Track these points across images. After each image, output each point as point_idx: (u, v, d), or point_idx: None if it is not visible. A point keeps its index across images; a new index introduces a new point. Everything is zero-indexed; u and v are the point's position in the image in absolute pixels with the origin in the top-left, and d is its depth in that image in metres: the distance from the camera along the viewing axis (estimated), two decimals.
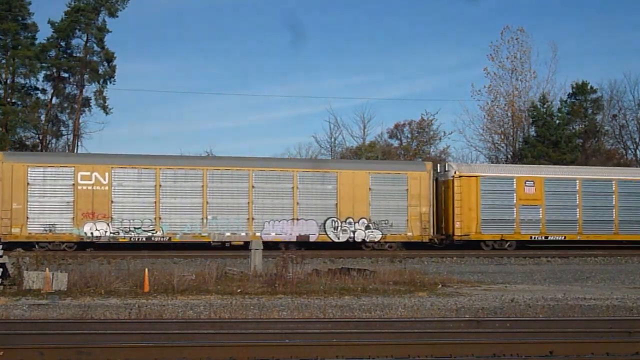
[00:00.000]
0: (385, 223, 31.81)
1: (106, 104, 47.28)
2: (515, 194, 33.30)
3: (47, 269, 17.49)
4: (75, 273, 17.94)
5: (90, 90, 48.03)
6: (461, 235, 32.52)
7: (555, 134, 47.83)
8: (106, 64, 47.50)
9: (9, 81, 45.86)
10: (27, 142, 46.58)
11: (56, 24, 45.80)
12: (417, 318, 13.29)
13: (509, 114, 52.93)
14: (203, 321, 12.45)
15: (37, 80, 46.81)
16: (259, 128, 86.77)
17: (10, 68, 45.37)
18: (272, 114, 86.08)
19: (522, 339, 10.48)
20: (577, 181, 34.29)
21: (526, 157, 47.82)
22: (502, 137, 53.63)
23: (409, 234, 31.96)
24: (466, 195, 32.60)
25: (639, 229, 34.75)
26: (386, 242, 31.76)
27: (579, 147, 50.22)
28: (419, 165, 34.99)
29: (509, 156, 52.28)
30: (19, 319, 13.01)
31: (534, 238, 33.47)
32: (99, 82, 47.35)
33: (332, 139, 55.98)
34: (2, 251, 17.48)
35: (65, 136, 49.05)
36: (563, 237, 33.70)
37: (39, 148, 45.94)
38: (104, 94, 47.31)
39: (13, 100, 46.00)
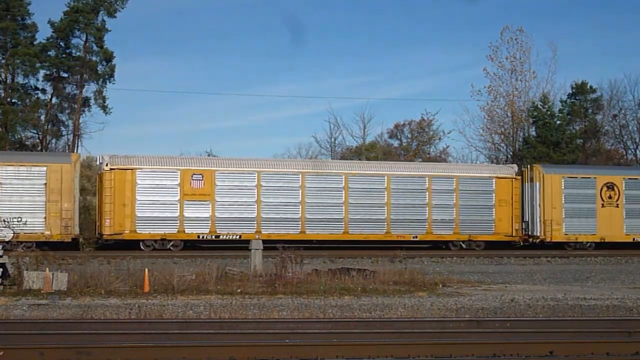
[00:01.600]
0: (18, 221, 28.63)
1: (106, 104, 47.21)
2: (179, 189, 30.37)
3: (47, 269, 17.50)
4: (75, 273, 17.94)
5: (90, 90, 48.02)
6: (112, 234, 29.59)
7: (555, 134, 47.81)
8: (105, 64, 47.47)
9: (8, 81, 45.83)
10: (27, 142, 46.55)
11: (55, 24, 45.77)
12: (417, 318, 13.30)
13: (509, 114, 52.91)
14: (203, 321, 12.45)
15: (37, 80, 46.77)
16: (259, 128, 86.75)
17: (10, 68, 45.35)
18: (272, 114, 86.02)
19: (522, 339, 10.49)
20: (257, 174, 31.27)
21: (526, 157, 47.80)
22: (502, 137, 53.62)
23: (47, 232, 28.65)
24: (120, 190, 29.65)
25: (410, 227, 32.71)
26: (21, 242, 27.97)
27: (579, 147, 50.20)
28: (59, 157, 32.15)
29: (509, 156, 52.26)
30: (19, 319, 13.01)
31: (203, 237, 30.61)
32: (98, 82, 47.32)
33: (332, 139, 55.99)
34: (2, 251, 17.48)
35: (65, 136, 49.05)
36: (239, 237, 30.60)
37: (39, 148, 45.91)
38: (104, 94, 47.26)
39: (13, 100, 45.96)
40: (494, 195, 33.51)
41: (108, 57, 47.08)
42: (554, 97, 52.38)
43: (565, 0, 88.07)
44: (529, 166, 35.50)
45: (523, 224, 34.20)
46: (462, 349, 9.88)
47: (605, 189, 34.44)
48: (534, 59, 57.27)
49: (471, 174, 34.12)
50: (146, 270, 17.38)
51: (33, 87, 46.81)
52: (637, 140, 53.83)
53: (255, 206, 31.11)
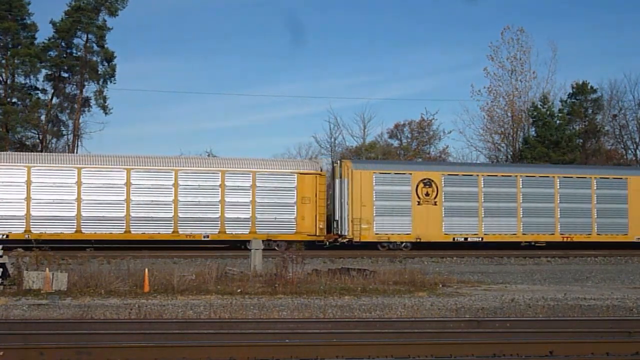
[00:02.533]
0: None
1: (106, 104, 47.27)
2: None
3: (47, 269, 17.49)
4: (75, 273, 17.93)
5: (90, 90, 48.05)
6: None
7: (555, 134, 47.82)
8: (106, 64, 47.49)
9: (9, 81, 45.85)
10: (27, 142, 46.55)
11: (57, 24, 45.80)
12: (417, 318, 13.30)
13: (509, 114, 52.93)
14: (203, 321, 12.45)
15: (37, 80, 46.83)
16: (259, 128, 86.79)
17: (11, 68, 45.36)
18: (272, 114, 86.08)
19: (522, 339, 10.48)
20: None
21: (526, 157, 47.82)
22: (502, 137, 53.63)
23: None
24: None
25: (201, 227, 31.09)
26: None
27: (579, 147, 50.21)
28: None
29: (509, 156, 52.28)
30: (19, 319, 13.01)
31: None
32: (98, 82, 47.35)
33: (332, 139, 55.98)
34: (1, 251, 17.48)
35: (66, 136, 49.07)
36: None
37: (39, 148, 45.93)
38: (104, 94, 47.32)
39: (13, 100, 45.98)
40: (295, 192, 31.69)
41: (109, 57, 47.12)
42: (554, 97, 52.51)
43: (565, 0, 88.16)
44: (338, 161, 33.56)
45: (334, 222, 32.60)
46: (462, 349, 9.88)
47: (422, 185, 32.70)
48: (534, 59, 57.41)
49: (270, 170, 32.03)
50: (146, 270, 17.37)
51: (33, 87, 46.88)
52: (637, 140, 53.87)
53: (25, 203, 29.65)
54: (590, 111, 52.92)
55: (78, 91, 47.81)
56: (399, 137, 59.36)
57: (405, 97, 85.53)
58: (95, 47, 47.35)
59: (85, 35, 46.85)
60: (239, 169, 31.71)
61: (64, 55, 46.74)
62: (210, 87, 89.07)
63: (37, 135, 47.49)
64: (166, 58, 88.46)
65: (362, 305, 15.20)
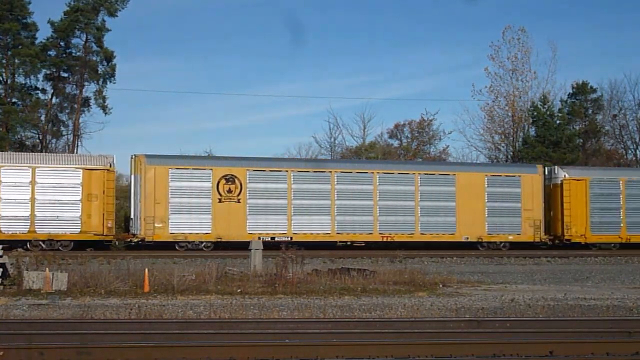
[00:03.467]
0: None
1: (106, 104, 47.25)
2: None
3: (47, 269, 17.49)
4: (75, 273, 17.94)
5: (90, 90, 48.05)
6: None
7: (555, 134, 47.83)
8: (106, 64, 47.49)
9: (9, 81, 45.83)
10: (27, 142, 46.55)
11: (56, 24, 45.78)
12: (417, 318, 13.29)
13: (509, 114, 52.94)
14: (203, 321, 12.45)
15: (37, 80, 46.81)
16: (259, 128, 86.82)
17: (10, 68, 45.35)
18: (272, 114, 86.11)
19: (522, 339, 10.48)
20: None
21: (526, 157, 47.83)
22: (503, 137, 53.64)
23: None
24: None
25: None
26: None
27: (579, 147, 50.22)
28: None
29: (509, 156, 52.29)
30: (19, 319, 13.00)
31: None
32: (98, 82, 47.35)
33: (332, 139, 55.97)
34: (2, 251, 17.48)
35: (65, 136, 49.06)
36: None
37: (39, 148, 45.93)
38: (104, 94, 47.31)
39: (13, 100, 45.97)
40: (81, 188, 29.98)
41: (108, 57, 47.10)
42: (554, 97, 52.53)
43: (565, 0, 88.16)
44: (133, 156, 31.53)
45: (130, 221, 31.31)
46: (462, 349, 9.87)
47: (223, 182, 31.09)
48: (534, 59, 57.39)
49: (52, 165, 30.30)
50: (146, 270, 17.38)
51: (33, 87, 46.86)
52: (637, 140, 53.89)
53: None
54: (590, 111, 52.94)
55: (78, 91, 47.81)
56: (399, 137, 59.41)
57: (405, 97, 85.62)
58: (95, 47, 47.37)
59: (85, 35, 46.86)
60: (16, 165, 29.81)
61: (64, 55, 46.74)
62: (210, 87, 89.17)
63: (37, 135, 47.50)
64: (166, 58, 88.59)
65: (362, 305, 15.20)
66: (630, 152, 54.39)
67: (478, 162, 37.81)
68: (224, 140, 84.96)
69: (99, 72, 47.20)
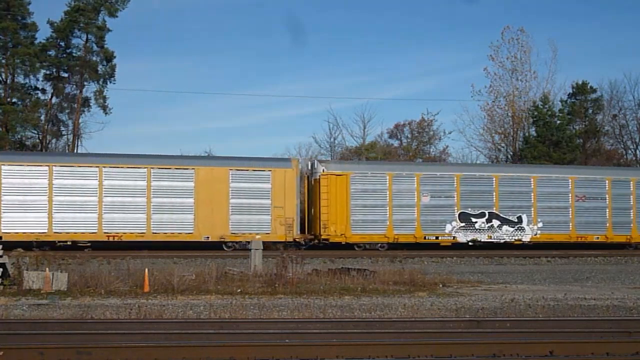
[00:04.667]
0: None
1: (106, 104, 47.33)
2: None
3: (47, 269, 17.48)
4: (75, 273, 17.94)
5: (90, 90, 48.08)
6: None
7: (556, 134, 47.84)
8: (106, 64, 47.51)
9: (8, 81, 45.86)
10: (27, 142, 46.57)
11: (56, 24, 45.80)
12: (417, 318, 13.28)
13: (509, 114, 52.95)
14: (203, 321, 12.44)
15: (37, 79, 46.86)
16: (259, 128, 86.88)
17: (10, 68, 45.36)
18: (272, 114, 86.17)
19: (522, 339, 10.48)
20: None
21: (526, 157, 47.85)
22: (503, 137, 53.65)
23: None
24: None
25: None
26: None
27: (579, 147, 50.23)
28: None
29: (509, 156, 52.30)
30: (19, 319, 13.00)
31: None
32: (98, 82, 47.38)
33: (332, 139, 55.98)
34: (2, 251, 17.47)
35: (65, 136, 49.09)
36: None
37: (39, 148, 45.94)
38: (104, 94, 47.36)
39: (13, 100, 45.98)
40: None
41: (108, 57, 47.14)
42: (554, 97, 52.56)
43: (566, 0, 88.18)
44: None
45: None
46: (462, 349, 9.87)
47: None
48: (534, 59, 57.55)
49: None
50: (146, 270, 17.38)
51: (33, 87, 46.89)
52: (637, 140, 53.91)
53: None
54: (590, 111, 52.96)
55: (78, 91, 47.83)
56: (399, 137, 59.46)
57: (405, 97, 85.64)
58: (95, 47, 47.41)
59: (85, 35, 46.87)
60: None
61: (64, 55, 46.75)
62: (210, 87, 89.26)
63: (36, 135, 47.52)
64: (166, 58, 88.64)
65: (362, 305, 15.20)
66: (630, 152, 54.45)
67: (225, 156, 34.54)
68: (224, 140, 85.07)
69: (99, 72, 47.23)
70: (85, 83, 47.79)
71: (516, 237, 33.45)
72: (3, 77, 45.82)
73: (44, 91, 47.50)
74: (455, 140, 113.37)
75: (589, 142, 52.53)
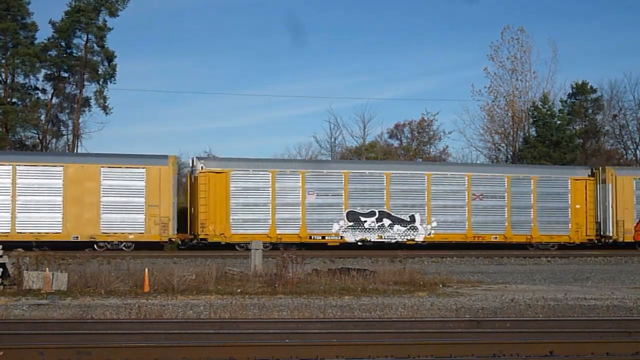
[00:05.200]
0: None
1: (106, 104, 47.31)
2: None
3: (47, 269, 17.49)
4: (75, 273, 17.94)
5: (90, 90, 48.07)
6: None
7: (556, 134, 47.84)
8: (106, 64, 47.51)
9: (9, 81, 45.84)
10: (27, 142, 46.56)
11: (56, 24, 45.80)
12: (417, 318, 13.28)
13: (509, 114, 52.95)
14: (203, 321, 12.45)
15: (37, 80, 46.85)
16: (259, 128, 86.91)
17: (10, 68, 45.36)
18: (272, 114, 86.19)
19: (522, 339, 10.48)
20: None
21: (526, 157, 47.85)
22: (502, 137, 53.65)
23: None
24: None
25: None
26: None
27: (579, 147, 50.23)
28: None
29: (509, 156, 52.29)
30: (19, 319, 13.00)
31: None
32: (99, 82, 47.36)
33: (332, 139, 55.96)
34: (2, 251, 17.48)
35: (65, 136, 49.08)
36: None
37: (39, 148, 45.93)
38: (104, 94, 47.35)
39: (13, 100, 45.98)
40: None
41: (109, 57, 47.12)
42: (554, 97, 52.54)
43: (566, 0, 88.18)
44: None
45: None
46: (462, 349, 9.87)
47: None
48: (534, 59, 57.40)
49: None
50: (146, 270, 17.38)
51: (33, 87, 46.88)
52: (637, 140, 53.89)
53: None
54: (590, 111, 52.96)
55: (78, 91, 47.82)
56: (399, 137, 59.47)
57: (405, 97, 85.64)
58: (96, 47, 47.39)
59: (86, 35, 46.87)
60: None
61: (64, 55, 46.74)
62: (210, 87, 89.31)
63: (37, 135, 47.50)
64: (166, 58, 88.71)
65: (362, 305, 15.20)
66: (630, 152, 54.44)
67: (98, 153, 33.79)
68: (224, 140, 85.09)
69: (100, 72, 47.22)
70: (86, 83, 47.80)
71: (409, 237, 32.34)
72: (3, 77, 45.81)
73: (44, 91, 47.54)
74: (455, 140, 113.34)
75: (589, 142, 52.52)
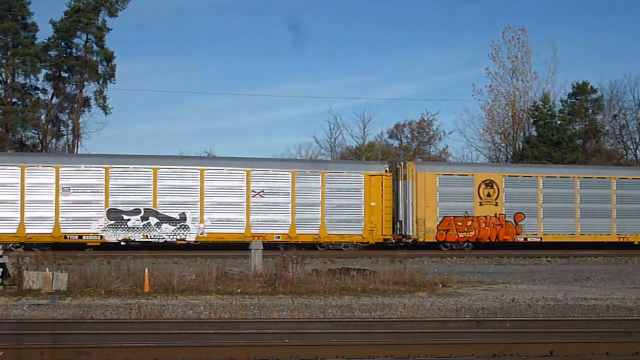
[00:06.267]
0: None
1: (106, 104, 47.34)
2: None
3: (47, 269, 17.48)
4: (75, 273, 17.94)
5: (90, 90, 48.08)
6: None
7: (556, 134, 47.83)
8: (106, 64, 47.52)
9: (9, 81, 45.85)
10: (27, 142, 46.56)
11: (56, 24, 45.82)
12: (417, 318, 13.29)
13: (510, 114, 52.94)
14: (203, 321, 12.45)
15: (37, 79, 46.87)
16: (259, 128, 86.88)
17: (11, 68, 45.37)
18: (272, 114, 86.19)
19: (522, 339, 10.48)
20: None
21: (527, 157, 47.83)
22: (503, 137, 53.64)
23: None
24: None
25: None
26: None
27: (579, 147, 50.22)
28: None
29: (509, 156, 52.28)
30: (19, 319, 13.00)
31: None
32: (98, 82, 47.38)
33: (332, 139, 55.94)
34: (2, 251, 17.48)
35: (65, 136, 49.08)
36: None
37: (39, 148, 45.93)
38: (104, 94, 47.37)
39: (13, 100, 45.98)
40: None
41: (108, 57, 47.14)
42: (554, 97, 52.51)
43: (566, 0, 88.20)
44: None
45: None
46: (462, 349, 9.87)
47: None
48: (534, 59, 57.50)
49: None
50: (146, 270, 17.38)
51: (33, 87, 46.89)
52: (637, 140, 53.87)
53: None
54: (590, 111, 52.95)
55: (78, 91, 47.82)
56: (399, 137, 59.46)
57: (405, 97, 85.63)
58: (95, 47, 47.40)
59: (85, 35, 46.87)
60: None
61: (64, 55, 46.75)
62: (210, 87, 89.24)
63: (37, 135, 47.51)
64: (166, 58, 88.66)
65: (362, 305, 15.20)
66: (630, 152, 54.42)
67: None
68: (224, 140, 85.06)
69: (99, 72, 47.23)
70: (86, 83, 47.82)
71: (179, 237, 30.20)
72: (3, 77, 45.83)
73: (44, 91, 47.55)
74: (455, 140, 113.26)
75: (589, 142, 52.51)
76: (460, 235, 32.50)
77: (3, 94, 45.47)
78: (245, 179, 30.91)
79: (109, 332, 10.83)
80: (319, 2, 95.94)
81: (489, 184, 33.29)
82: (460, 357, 9.67)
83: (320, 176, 31.49)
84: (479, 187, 33.12)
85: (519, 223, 33.44)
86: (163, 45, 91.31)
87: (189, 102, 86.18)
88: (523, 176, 34.28)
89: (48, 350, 9.32)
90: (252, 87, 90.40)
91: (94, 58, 47.38)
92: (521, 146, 51.17)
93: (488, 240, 32.87)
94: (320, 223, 31.27)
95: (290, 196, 31.09)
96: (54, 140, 48.57)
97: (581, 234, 34.11)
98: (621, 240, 34.51)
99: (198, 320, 12.87)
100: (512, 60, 52.45)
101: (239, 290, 17.03)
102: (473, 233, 32.79)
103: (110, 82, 47.43)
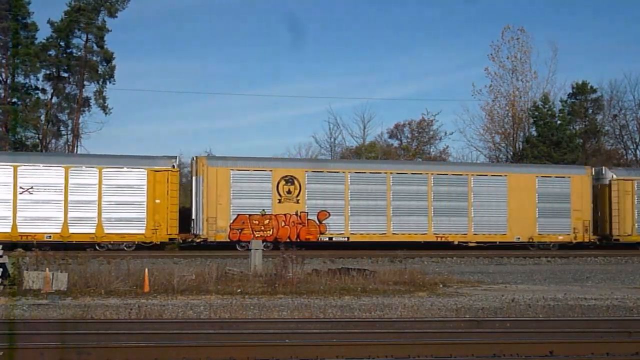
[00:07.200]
0: None
1: (106, 104, 47.28)
2: None
3: (47, 269, 17.48)
4: (75, 273, 17.93)
5: (89, 90, 48.06)
6: None
7: (556, 134, 47.84)
8: (106, 64, 47.49)
9: (8, 81, 45.84)
10: (27, 142, 46.53)
11: (56, 24, 45.79)
12: (417, 318, 13.29)
13: (510, 114, 52.93)
14: (203, 321, 12.45)
15: (37, 79, 46.82)
16: (259, 128, 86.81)
17: (10, 68, 45.34)
18: (272, 114, 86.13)
19: (522, 339, 10.48)
20: None
21: (527, 157, 47.84)
22: (503, 137, 53.63)
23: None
24: None
25: None
26: None
27: (579, 147, 50.22)
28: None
29: (510, 156, 52.28)
30: (19, 319, 13.00)
31: None
32: (98, 82, 47.35)
33: (332, 139, 55.89)
34: (2, 251, 17.47)
35: (65, 136, 49.06)
36: None
37: (39, 148, 45.92)
38: (104, 94, 47.33)
39: (13, 100, 45.96)
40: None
41: (108, 57, 47.11)
42: (554, 97, 52.49)
43: (566, 0, 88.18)
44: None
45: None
46: (462, 349, 9.87)
47: None
48: (534, 59, 57.33)
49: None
50: (146, 270, 17.38)
51: (33, 87, 46.84)
52: (637, 140, 53.87)
53: None
54: (590, 111, 52.95)
55: (78, 91, 47.81)
56: (399, 137, 59.41)
57: (405, 97, 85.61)
58: (95, 47, 47.37)
59: (85, 35, 46.86)
60: None
61: (64, 55, 46.73)
62: (209, 87, 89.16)
63: (36, 135, 47.48)
64: (166, 58, 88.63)
65: (362, 305, 15.20)
66: (630, 152, 54.42)
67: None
68: (224, 140, 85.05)
69: (99, 72, 47.21)
70: (85, 83, 47.77)
71: None
72: (3, 77, 45.80)
73: (44, 91, 47.48)
74: (456, 140, 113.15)
75: (589, 142, 52.50)
76: (257, 235, 29.92)
77: (3, 94, 45.46)
78: (12, 175, 28.89)
79: (109, 332, 10.83)
80: (319, 2, 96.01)
81: (290, 180, 31.59)
82: (460, 357, 9.68)
83: (97, 171, 29.76)
84: (278, 183, 31.45)
85: (323, 222, 31.75)
86: (163, 45, 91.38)
87: (188, 102, 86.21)
88: (328, 172, 32.46)
89: (48, 350, 9.32)
90: (252, 87, 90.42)
91: (94, 58, 47.35)
92: (521, 146, 51.16)
93: (288, 240, 30.51)
94: (97, 222, 29.57)
95: (63, 193, 29.26)
96: (54, 140, 48.57)
97: (394, 233, 32.35)
98: (439, 240, 32.79)
99: (198, 320, 12.87)
100: (512, 61, 52.50)
101: (239, 290, 17.03)
102: (271, 232, 31.05)
103: (110, 82, 47.42)
